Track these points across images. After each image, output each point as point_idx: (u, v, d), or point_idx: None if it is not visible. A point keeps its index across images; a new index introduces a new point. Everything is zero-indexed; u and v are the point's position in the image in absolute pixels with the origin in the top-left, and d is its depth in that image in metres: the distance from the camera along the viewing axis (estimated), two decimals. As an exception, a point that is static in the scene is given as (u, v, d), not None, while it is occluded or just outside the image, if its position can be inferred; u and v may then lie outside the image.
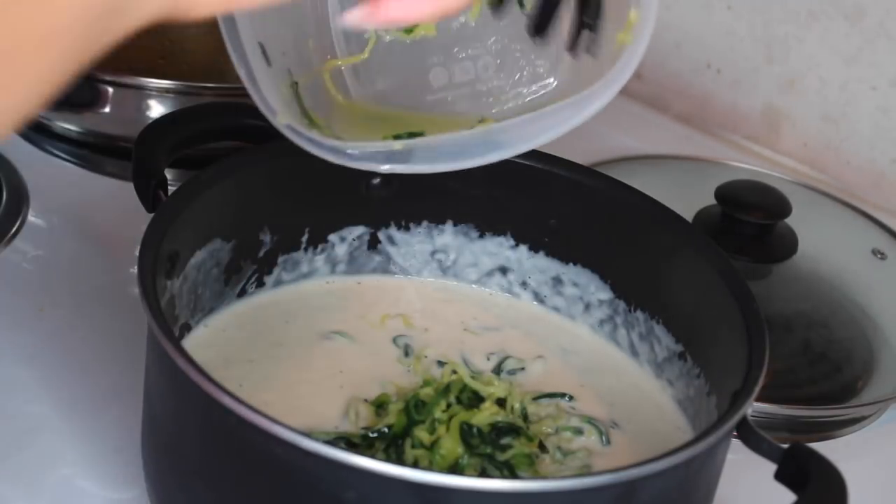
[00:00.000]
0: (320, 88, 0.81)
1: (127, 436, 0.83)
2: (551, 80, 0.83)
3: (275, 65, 0.76)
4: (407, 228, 0.89)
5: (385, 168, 0.75)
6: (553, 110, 0.73)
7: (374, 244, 0.89)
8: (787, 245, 1.03)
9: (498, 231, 0.89)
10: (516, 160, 0.85)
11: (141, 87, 1.04)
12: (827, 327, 1.00)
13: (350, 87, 0.83)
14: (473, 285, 0.90)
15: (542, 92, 0.82)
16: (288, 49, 0.79)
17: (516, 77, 0.83)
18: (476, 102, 0.83)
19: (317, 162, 0.84)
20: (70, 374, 0.89)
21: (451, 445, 0.75)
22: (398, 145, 0.75)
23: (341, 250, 0.88)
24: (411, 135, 0.78)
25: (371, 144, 0.75)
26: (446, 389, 0.78)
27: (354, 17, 0.64)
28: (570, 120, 0.73)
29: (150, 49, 1.12)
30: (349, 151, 0.74)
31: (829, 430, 0.95)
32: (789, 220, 1.02)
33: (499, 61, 0.83)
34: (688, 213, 0.96)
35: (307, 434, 0.64)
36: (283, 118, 0.73)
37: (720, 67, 1.29)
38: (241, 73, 0.74)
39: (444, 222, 0.89)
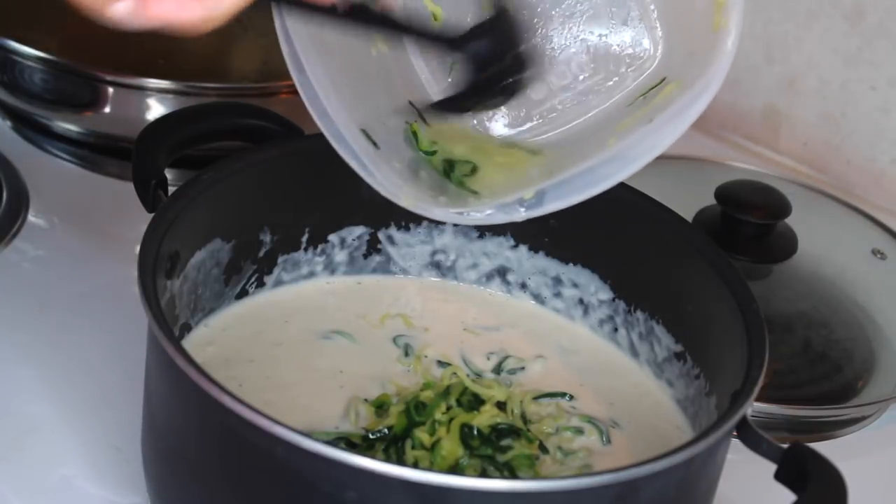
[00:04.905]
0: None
1: (127, 436, 0.82)
2: (650, 57, 0.81)
3: (383, 146, 0.77)
4: (407, 228, 0.89)
5: (523, 215, 0.76)
6: (670, 114, 0.73)
7: (374, 244, 0.89)
8: (787, 245, 1.03)
9: (498, 231, 0.89)
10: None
11: (141, 87, 1.04)
12: (827, 327, 1.00)
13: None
14: (473, 285, 0.90)
15: (647, 70, 0.81)
16: (390, 126, 0.80)
17: (614, 66, 0.82)
18: (582, 104, 0.82)
19: (317, 162, 0.84)
20: (70, 374, 0.89)
21: (451, 447, 0.75)
22: (529, 194, 0.75)
23: (341, 250, 0.88)
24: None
25: (504, 198, 0.76)
26: (446, 392, 0.79)
27: (120, 11, 0.60)
28: (689, 115, 0.72)
29: (150, 49, 1.12)
30: (487, 212, 0.76)
31: (829, 430, 0.95)
32: (789, 220, 1.02)
33: (592, 56, 0.82)
34: (688, 213, 0.96)
35: (307, 434, 0.64)
36: (407, 200, 0.76)
37: (720, 67, 1.28)
38: (354, 164, 0.76)
39: (443, 222, 0.88)
